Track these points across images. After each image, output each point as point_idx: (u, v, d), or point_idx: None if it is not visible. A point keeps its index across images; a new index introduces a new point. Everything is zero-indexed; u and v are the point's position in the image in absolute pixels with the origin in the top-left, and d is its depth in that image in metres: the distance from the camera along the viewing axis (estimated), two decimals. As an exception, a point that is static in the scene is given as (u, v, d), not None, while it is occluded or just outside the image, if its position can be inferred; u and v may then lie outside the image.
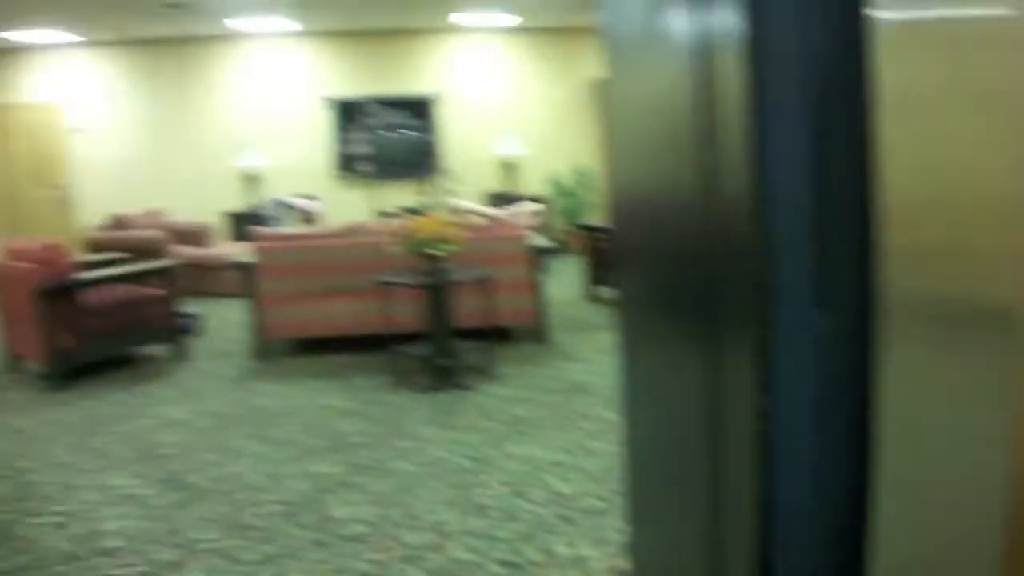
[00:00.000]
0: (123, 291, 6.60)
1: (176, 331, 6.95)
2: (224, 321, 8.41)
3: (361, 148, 11.96)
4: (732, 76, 1.42)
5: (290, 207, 8.25)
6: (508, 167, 11.98)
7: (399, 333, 6.20)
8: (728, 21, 1.43)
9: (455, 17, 11.29)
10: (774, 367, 1.41)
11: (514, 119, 12.12)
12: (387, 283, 5.88)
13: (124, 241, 9.38)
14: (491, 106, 12.26)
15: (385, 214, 9.78)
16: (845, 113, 1.27)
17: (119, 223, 9.90)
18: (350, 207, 11.31)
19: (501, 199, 8.71)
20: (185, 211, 11.30)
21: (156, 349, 7.17)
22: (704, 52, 1.55)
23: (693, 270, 1.73)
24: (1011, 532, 0.97)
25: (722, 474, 1.63)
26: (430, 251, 5.72)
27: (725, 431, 1.60)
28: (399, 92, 12.11)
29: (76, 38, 11.26)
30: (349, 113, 12.07)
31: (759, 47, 1.36)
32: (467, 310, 6.29)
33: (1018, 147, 0.90)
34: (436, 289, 5.80)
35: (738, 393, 1.52)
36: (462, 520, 3.86)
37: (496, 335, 6.55)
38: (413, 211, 9.02)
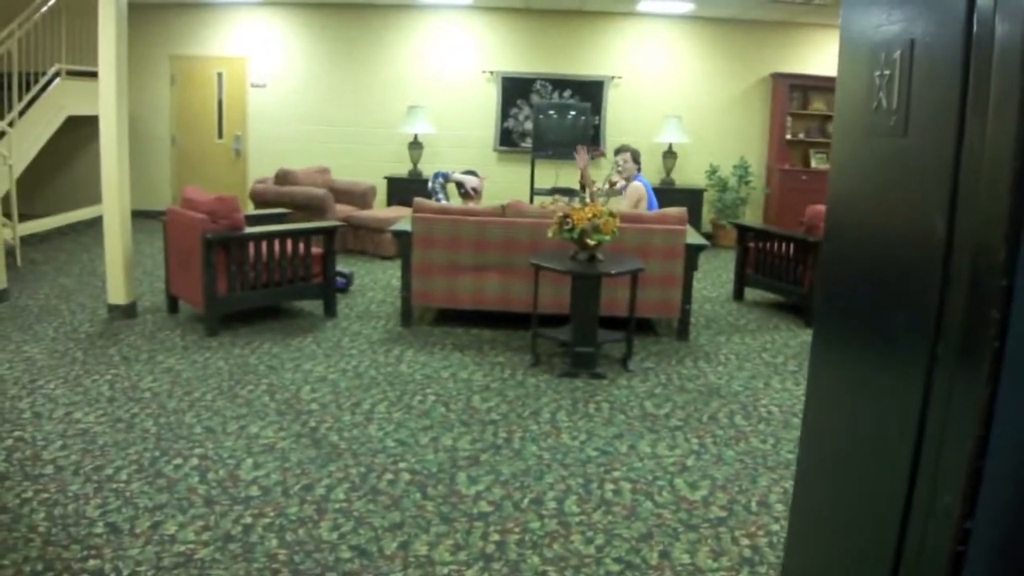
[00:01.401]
0: (285, 246, 6.81)
1: (330, 289, 7.17)
2: (375, 282, 8.63)
3: (524, 125, 12.04)
4: (1004, 82, 1.35)
5: (452, 181, 8.36)
6: (669, 155, 11.84)
7: (543, 314, 6.23)
8: (1005, 26, 1.35)
9: (643, 5, 11.18)
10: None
11: (681, 108, 11.96)
12: (538, 267, 5.91)
13: (289, 196, 9.70)
14: (659, 93, 12.12)
15: (541, 192, 9.81)
16: None
17: (285, 178, 10.23)
18: (509, 182, 11.42)
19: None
20: (348, 171, 11.65)
21: (308, 304, 7.42)
22: (963, 53, 1.48)
23: (914, 300, 1.66)
24: None
25: (917, 515, 1.58)
26: (585, 240, 5.72)
27: (928, 476, 1.54)
28: (568, 72, 12.11)
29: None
30: (515, 89, 12.15)
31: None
32: (613, 298, 6.28)
33: None
34: (586, 278, 5.80)
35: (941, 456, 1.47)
36: (585, 512, 3.88)
37: (639, 326, 6.51)
38: (567, 191, 9.01)
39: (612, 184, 6.16)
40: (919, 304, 1.62)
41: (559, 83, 12.11)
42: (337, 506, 3.83)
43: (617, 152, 7.95)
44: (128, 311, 6.95)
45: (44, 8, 9.87)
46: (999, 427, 1.35)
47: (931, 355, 1.54)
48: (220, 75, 12.35)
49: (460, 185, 8.29)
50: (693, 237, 7.00)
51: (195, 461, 4.26)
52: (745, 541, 3.67)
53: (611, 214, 5.80)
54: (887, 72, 1.79)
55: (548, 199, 7.05)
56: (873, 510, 1.78)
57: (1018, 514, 1.35)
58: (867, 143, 1.93)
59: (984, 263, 1.38)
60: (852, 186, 2.06)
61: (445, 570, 3.34)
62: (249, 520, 3.67)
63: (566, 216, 5.77)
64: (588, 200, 5.95)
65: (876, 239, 1.89)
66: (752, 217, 12.00)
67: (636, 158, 7.88)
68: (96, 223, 10.90)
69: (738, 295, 8.52)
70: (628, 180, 7.75)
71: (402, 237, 6.89)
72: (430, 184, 8.38)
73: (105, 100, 6.79)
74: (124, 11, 6.79)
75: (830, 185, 2.19)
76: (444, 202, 7.94)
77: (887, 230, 1.82)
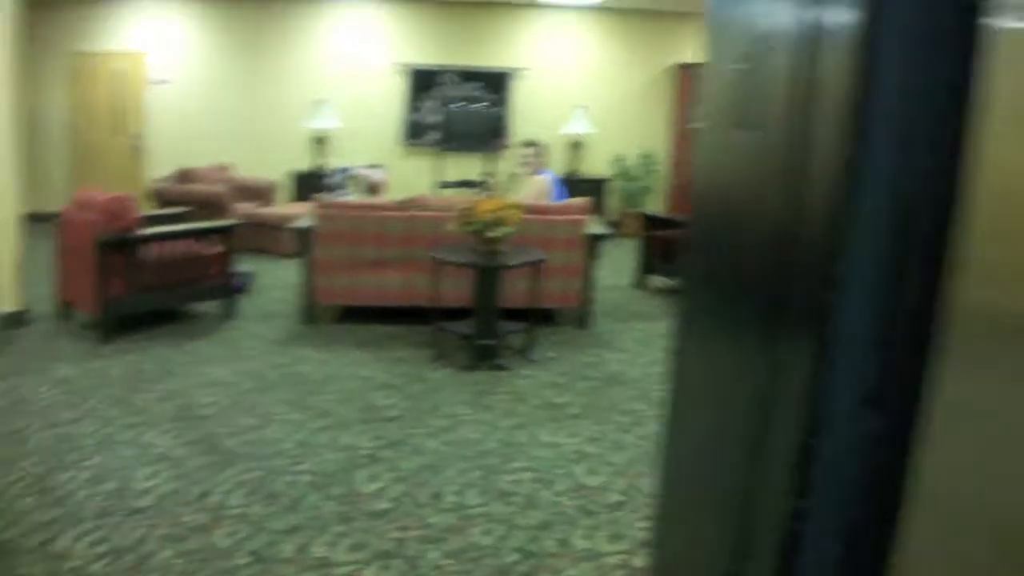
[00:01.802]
0: (181, 247, 6.70)
1: (229, 289, 7.06)
2: (277, 281, 8.52)
3: (431, 118, 12.01)
4: (837, 74, 1.39)
5: (354, 176, 8.34)
6: (575, 146, 11.93)
7: (445, 308, 6.24)
8: (840, 17, 1.40)
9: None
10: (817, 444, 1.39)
11: (587, 99, 12.05)
12: (440, 260, 5.91)
13: (189, 194, 9.53)
14: (566, 85, 12.19)
15: (447, 185, 9.80)
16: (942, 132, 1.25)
17: (186, 176, 10.07)
18: (415, 176, 11.35)
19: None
20: (252, 167, 11.46)
21: (207, 305, 7.29)
22: (808, 48, 1.52)
23: (761, 287, 1.70)
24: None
25: (756, 493, 1.62)
26: (487, 232, 5.74)
27: (765, 455, 1.58)
28: (475, 64, 12.11)
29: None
30: (422, 82, 12.09)
31: (870, 46, 1.33)
32: (514, 290, 6.30)
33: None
34: (487, 270, 5.81)
35: (783, 430, 1.50)
36: (485, 504, 3.90)
37: (540, 317, 6.54)
38: (472, 184, 9.04)
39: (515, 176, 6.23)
40: (765, 290, 1.66)
41: (467, 75, 12.09)
42: (234, 512, 3.79)
43: (525, 146, 8.02)
44: (19, 319, 6.75)
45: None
46: (828, 405, 1.39)
47: (772, 337, 1.59)
48: (119, 71, 12.04)
49: (361, 179, 8.26)
50: (596, 227, 7.07)
51: (87, 473, 4.16)
52: (642, 524, 3.73)
53: (514, 206, 5.83)
54: (744, 65, 1.83)
55: (452, 191, 7.08)
56: (720, 488, 1.84)
57: (853, 494, 1.39)
58: (726, 135, 1.97)
59: (815, 250, 1.43)
60: (712, 176, 2.10)
61: (343, 570, 3.33)
62: (143, 531, 3.60)
63: (468, 209, 5.78)
64: (488, 193, 5.97)
65: (731, 227, 1.94)
66: (657, 206, 12.14)
67: (541, 153, 7.96)
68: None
69: (641, 283, 8.62)
70: (533, 174, 7.82)
71: (303, 233, 6.82)
72: (331, 179, 8.31)
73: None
74: (11, 8, 6.57)
75: (693, 174, 2.24)
76: (348, 197, 7.89)
77: (741, 219, 1.87)
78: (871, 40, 1.32)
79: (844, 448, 1.39)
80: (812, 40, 1.51)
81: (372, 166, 8.52)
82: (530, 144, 8.00)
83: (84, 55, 12.04)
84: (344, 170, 8.41)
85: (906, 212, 1.32)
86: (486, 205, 5.78)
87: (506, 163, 10.27)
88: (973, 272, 1.11)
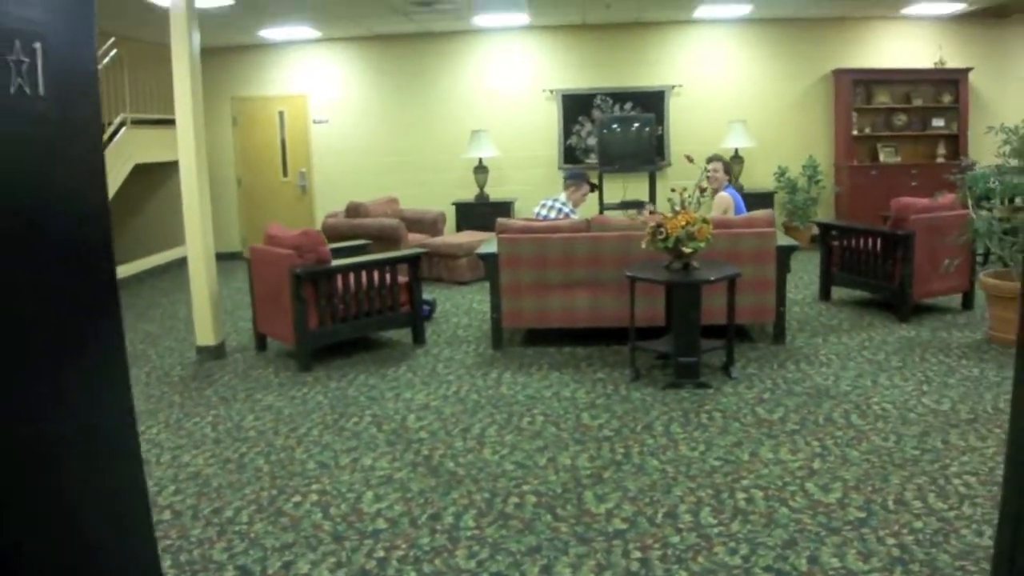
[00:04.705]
0: (370, 277, 6.78)
1: (417, 317, 7.12)
2: (456, 307, 8.58)
3: (588, 141, 11.97)
4: None
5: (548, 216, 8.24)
6: (736, 161, 11.67)
7: (638, 327, 6.11)
8: None
9: (700, 12, 11.07)
10: None
11: (744, 112, 11.79)
12: (634, 279, 5.80)
13: (362, 228, 9.69)
14: (722, 99, 11.96)
15: (612, 207, 9.68)
16: None
17: (356, 210, 10.24)
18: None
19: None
20: (416, 200, 11.63)
21: (395, 333, 7.38)
22: None
23: None
24: None
25: None
26: (680, 248, 5.61)
27: None
28: (628, 85, 12.03)
29: (320, 34, 11.75)
30: (576, 106, 12.09)
31: None
32: (708, 306, 6.12)
33: None
34: (686, 286, 5.67)
35: None
36: (723, 523, 3.76)
37: (734, 333, 6.36)
38: (637, 204, 8.88)
39: (703, 191, 6.02)
40: None
41: (620, 96, 12.02)
42: (469, 534, 3.75)
43: (709, 161, 7.80)
44: (217, 352, 6.96)
45: (106, 59, 10.00)
46: None
47: None
48: (281, 114, 12.45)
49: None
50: (782, 239, 6.86)
51: (314, 497, 4.20)
52: (891, 540, 3.53)
53: (704, 220, 5.68)
54: None
55: (621, 212, 6.95)
56: None
57: None
58: None
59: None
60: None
61: (592, 592, 3.25)
62: (382, 553, 3.60)
63: (659, 226, 5.66)
64: (678, 208, 5.82)
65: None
66: (823, 216, 11.77)
67: (727, 169, 7.83)
68: (172, 267, 11.05)
69: (825, 295, 8.33)
70: (718, 190, 7.64)
71: (488, 259, 6.82)
72: (548, 209, 8.12)
73: (184, 145, 6.83)
74: (198, 58, 6.84)
75: None
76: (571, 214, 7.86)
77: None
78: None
79: None
80: None
81: (577, 175, 8.48)
82: (715, 159, 7.81)
83: (247, 99, 12.48)
84: (556, 204, 8.17)
85: None
86: (677, 221, 5.65)
87: (666, 181, 10.12)
88: None
